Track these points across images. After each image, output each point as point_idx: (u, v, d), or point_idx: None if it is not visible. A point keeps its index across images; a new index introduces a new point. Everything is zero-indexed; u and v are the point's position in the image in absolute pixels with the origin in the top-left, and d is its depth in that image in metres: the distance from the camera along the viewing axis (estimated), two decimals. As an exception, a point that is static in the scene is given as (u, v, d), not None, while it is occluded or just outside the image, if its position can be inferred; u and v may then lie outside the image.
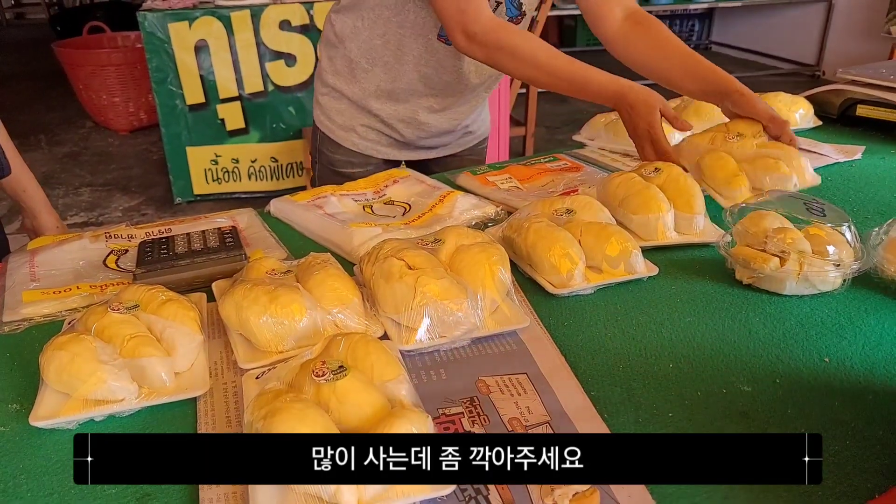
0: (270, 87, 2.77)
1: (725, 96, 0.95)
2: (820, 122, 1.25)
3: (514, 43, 0.94)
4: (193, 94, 2.73)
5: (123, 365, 0.55)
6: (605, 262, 0.74)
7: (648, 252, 0.79)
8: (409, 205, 0.96)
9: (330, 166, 1.21)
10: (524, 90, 2.98)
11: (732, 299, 0.71)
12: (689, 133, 0.98)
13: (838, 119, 1.27)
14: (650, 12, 1.06)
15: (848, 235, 0.72)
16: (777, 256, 0.69)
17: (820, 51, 4.61)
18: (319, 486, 0.43)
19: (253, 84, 2.75)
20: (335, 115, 1.17)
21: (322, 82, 1.18)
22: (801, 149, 0.94)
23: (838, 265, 0.69)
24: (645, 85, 0.93)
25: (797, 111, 1.22)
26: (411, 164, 1.19)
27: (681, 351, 0.63)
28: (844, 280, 0.70)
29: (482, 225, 0.89)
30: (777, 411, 0.55)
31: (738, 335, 0.65)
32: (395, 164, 1.19)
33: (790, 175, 0.88)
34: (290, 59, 2.73)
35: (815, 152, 1.12)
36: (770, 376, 0.59)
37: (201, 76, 2.70)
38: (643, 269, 0.75)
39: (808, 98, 1.27)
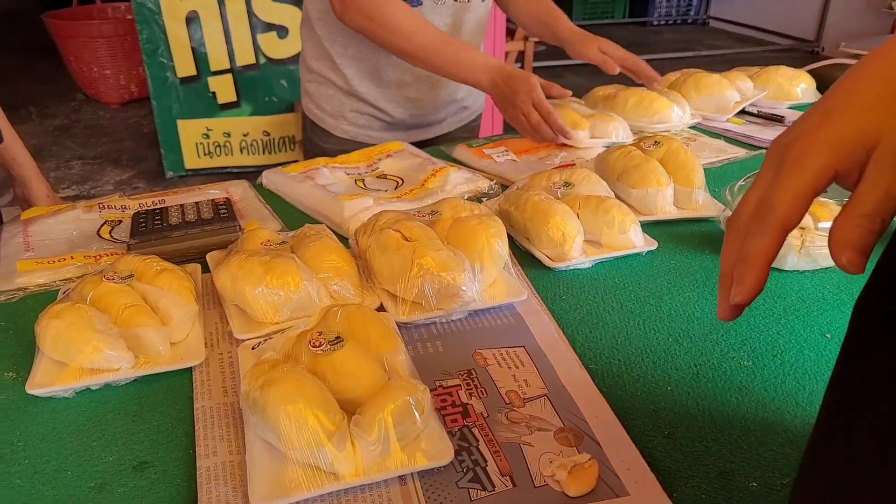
0: (262, 60, 2.73)
1: (564, 42, 1.02)
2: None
3: (385, 12, 0.89)
4: (184, 66, 2.68)
5: (119, 334, 0.55)
6: (603, 235, 0.73)
7: (647, 226, 0.78)
8: (402, 179, 0.95)
9: (322, 156, 1.18)
10: (519, 64, 2.95)
11: (731, 274, 0.71)
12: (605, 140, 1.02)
13: (839, 94, 1.26)
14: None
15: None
16: (777, 231, 0.69)
17: (820, 26, 4.57)
18: (318, 454, 0.43)
19: (244, 56, 2.71)
20: (323, 102, 1.14)
21: (307, 68, 1.14)
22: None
23: (838, 240, 0.69)
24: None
25: (798, 85, 1.21)
26: None
27: (679, 325, 0.63)
28: (845, 255, 0.70)
29: (476, 199, 0.88)
30: (776, 386, 0.55)
31: (736, 309, 0.65)
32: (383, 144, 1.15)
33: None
34: (281, 31, 2.69)
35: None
36: (770, 351, 0.59)
37: (192, 48, 2.66)
38: (642, 243, 0.74)
39: (811, 72, 1.26)
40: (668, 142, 0.85)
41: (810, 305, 0.65)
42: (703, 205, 0.83)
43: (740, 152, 1.04)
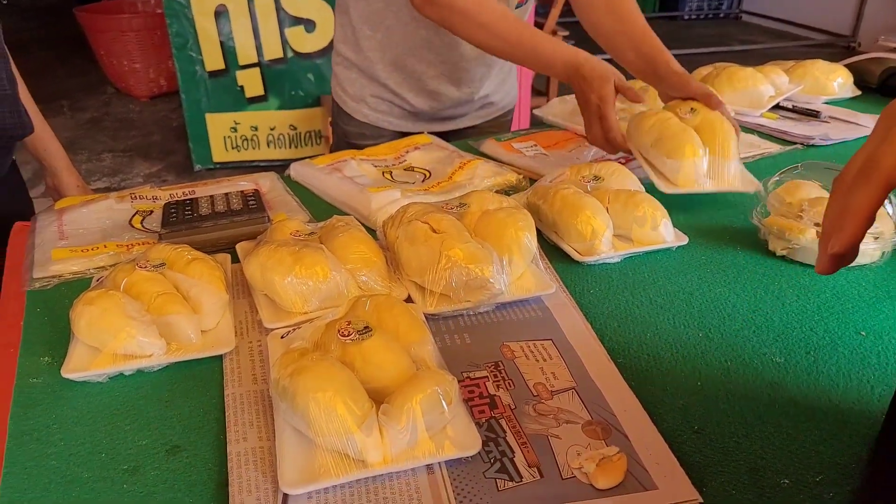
0: (290, 54, 2.75)
1: (662, 79, 0.91)
2: (859, 92, 1.21)
3: (465, 3, 0.89)
4: (213, 60, 2.72)
5: (151, 321, 0.56)
6: (633, 230, 0.73)
7: (678, 220, 0.77)
8: (430, 171, 0.95)
9: (344, 138, 1.19)
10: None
11: (765, 270, 0.70)
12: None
13: (878, 89, 1.23)
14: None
15: (888, 208, 0.69)
16: (813, 227, 0.68)
17: (856, 21, 4.45)
18: (346, 442, 0.44)
19: (272, 50, 2.73)
20: (347, 84, 1.15)
21: (336, 51, 1.16)
22: (833, 118, 0.90)
23: (877, 238, 0.67)
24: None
25: (835, 80, 1.19)
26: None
27: (710, 321, 0.62)
28: (883, 253, 0.68)
29: (504, 192, 0.88)
30: (810, 384, 0.54)
31: (770, 306, 0.63)
32: (410, 136, 1.15)
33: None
34: (309, 25, 2.71)
35: (853, 123, 1.08)
36: (803, 348, 0.58)
37: (221, 42, 2.69)
38: (672, 237, 0.73)
39: (848, 66, 1.23)
40: (705, 110, 0.83)
41: (845, 303, 0.64)
42: (737, 177, 0.80)
43: (774, 147, 1.02)
